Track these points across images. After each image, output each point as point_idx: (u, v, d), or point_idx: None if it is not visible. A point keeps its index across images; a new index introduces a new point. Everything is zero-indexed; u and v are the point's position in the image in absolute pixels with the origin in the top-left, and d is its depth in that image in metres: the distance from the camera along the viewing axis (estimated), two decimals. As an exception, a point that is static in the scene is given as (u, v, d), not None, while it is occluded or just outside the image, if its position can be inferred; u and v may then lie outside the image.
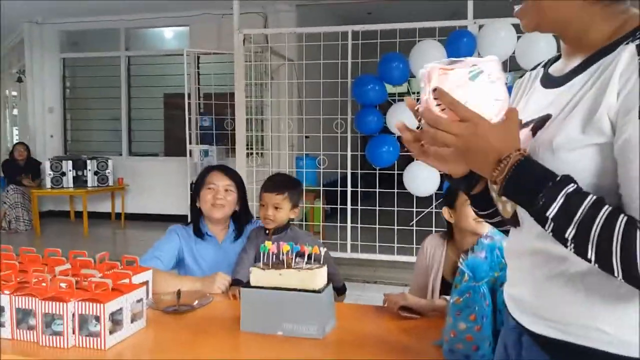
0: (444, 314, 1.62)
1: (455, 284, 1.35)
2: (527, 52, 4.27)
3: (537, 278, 0.87)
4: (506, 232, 1.08)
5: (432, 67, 0.85)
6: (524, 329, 0.90)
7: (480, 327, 1.28)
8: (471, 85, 0.83)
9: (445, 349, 1.35)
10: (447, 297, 1.60)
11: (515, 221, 0.93)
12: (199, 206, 2.24)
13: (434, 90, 0.83)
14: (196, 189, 2.28)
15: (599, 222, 0.72)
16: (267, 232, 2.13)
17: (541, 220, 0.78)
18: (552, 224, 0.76)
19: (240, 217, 2.29)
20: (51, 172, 6.83)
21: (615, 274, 0.72)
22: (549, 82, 0.93)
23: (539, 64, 1.03)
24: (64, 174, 6.90)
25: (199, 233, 2.24)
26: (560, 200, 0.75)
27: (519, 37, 4.35)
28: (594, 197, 0.75)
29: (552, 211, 0.76)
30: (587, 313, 0.80)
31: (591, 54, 0.85)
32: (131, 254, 1.87)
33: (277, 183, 2.17)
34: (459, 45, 4.52)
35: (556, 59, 0.98)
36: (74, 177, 6.96)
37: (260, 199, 2.17)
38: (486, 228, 1.87)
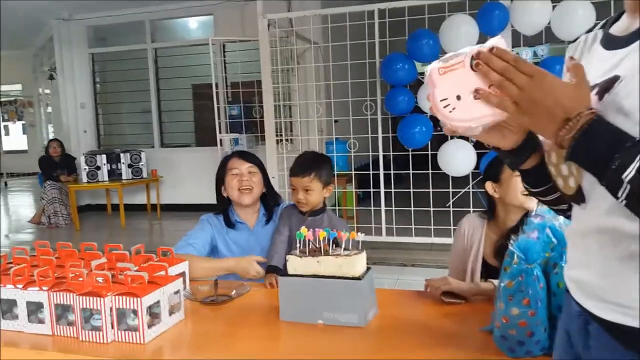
0: (490, 298, 1.55)
1: (505, 267, 1.27)
2: (563, 21, 4.08)
3: (606, 259, 0.79)
4: (561, 212, 1.00)
5: (431, 69, 0.83)
6: (591, 315, 0.82)
7: (535, 312, 1.20)
8: (475, 74, 0.80)
9: (496, 335, 1.28)
10: (494, 281, 1.53)
11: (579, 197, 0.85)
12: (225, 195, 2.23)
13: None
14: (219, 178, 2.26)
15: None
16: (304, 213, 2.08)
17: (614, 185, 0.71)
18: (628, 188, 0.69)
19: (268, 200, 2.28)
20: (86, 167, 6.95)
21: None
22: (612, 42, 0.85)
23: (594, 26, 0.95)
24: (98, 167, 7.01)
25: (230, 223, 2.22)
26: (639, 161, 0.68)
27: (554, 7, 4.16)
28: None
29: (629, 173, 0.69)
30: None
31: None
32: (168, 244, 1.87)
33: (303, 164, 2.10)
34: (491, 18, 4.35)
35: (616, 18, 0.89)
36: (108, 171, 7.07)
37: (290, 183, 2.13)
38: (534, 203, 1.76)
